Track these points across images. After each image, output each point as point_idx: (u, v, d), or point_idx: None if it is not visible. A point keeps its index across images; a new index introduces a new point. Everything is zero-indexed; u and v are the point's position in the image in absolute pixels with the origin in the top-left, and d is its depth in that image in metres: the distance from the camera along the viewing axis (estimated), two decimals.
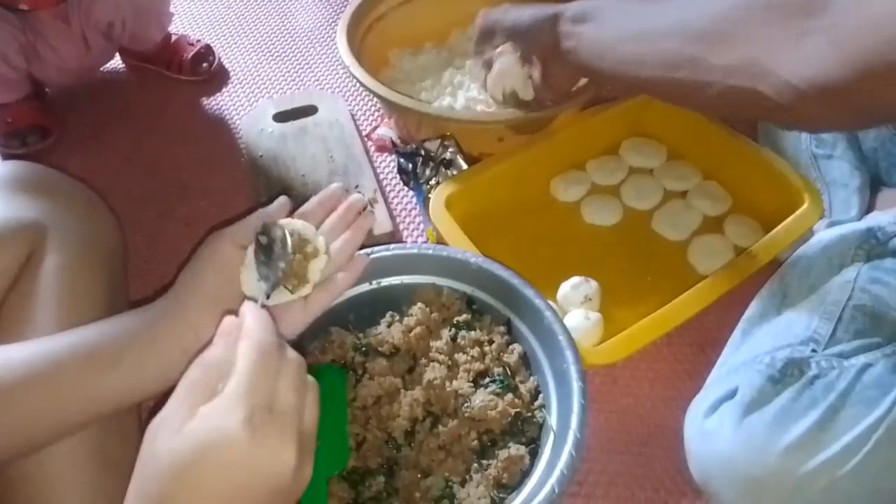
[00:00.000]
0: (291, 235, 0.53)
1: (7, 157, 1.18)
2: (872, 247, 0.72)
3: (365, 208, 0.61)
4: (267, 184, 1.10)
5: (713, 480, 0.65)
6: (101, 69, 1.33)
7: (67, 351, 0.51)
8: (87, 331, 0.52)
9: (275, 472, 0.38)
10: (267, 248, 0.52)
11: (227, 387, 0.39)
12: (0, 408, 0.48)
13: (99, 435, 0.60)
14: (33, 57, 1.13)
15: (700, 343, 0.91)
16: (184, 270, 0.54)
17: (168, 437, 0.38)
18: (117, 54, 1.34)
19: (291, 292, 0.53)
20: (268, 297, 0.52)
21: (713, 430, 0.65)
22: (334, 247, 0.57)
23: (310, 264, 0.54)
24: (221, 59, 1.37)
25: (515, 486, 0.61)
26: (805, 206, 0.86)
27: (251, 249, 0.53)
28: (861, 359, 0.62)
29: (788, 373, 0.63)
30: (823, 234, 0.80)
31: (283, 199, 0.57)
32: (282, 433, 0.39)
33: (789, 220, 0.85)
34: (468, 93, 1.13)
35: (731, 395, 0.66)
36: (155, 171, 1.18)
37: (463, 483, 0.62)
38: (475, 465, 0.63)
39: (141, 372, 0.51)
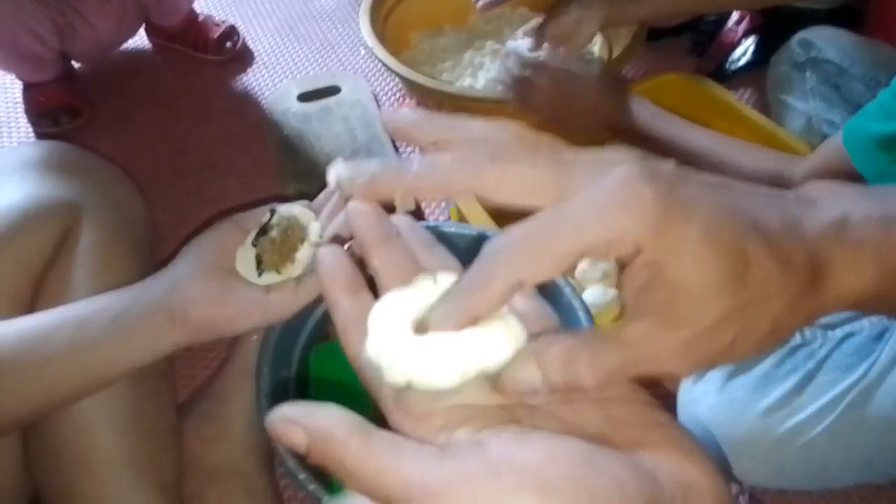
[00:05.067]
0: (285, 219, 0.55)
1: (40, 135, 1.22)
2: None
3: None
4: (292, 163, 1.13)
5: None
6: (128, 49, 1.36)
7: (60, 321, 0.52)
8: (80, 303, 0.54)
9: None
10: (261, 231, 0.54)
11: None
12: None
13: (136, 402, 0.63)
14: (68, 35, 1.16)
15: None
16: (185, 247, 0.55)
17: None
18: (144, 35, 1.37)
19: (278, 273, 0.54)
20: (259, 275, 0.54)
21: (699, 397, 0.70)
22: (329, 230, 0.57)
23: (300, 247, 0.55)
24: (245, 40, 1.39)
25: None
26: None
27: (253, 233, 0.55)
28: (846, 328, 0.66)
29: None
30: None
31: (303, 203, 0.58)
32: None
33: None
34: (488, 73, 1.15)
35: None
36: (182, 150, 1.21)
37: None
38: None
39: (129, 336, 0.51)
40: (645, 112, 0.83)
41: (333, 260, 0.28)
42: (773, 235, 0.24)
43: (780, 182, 0.69)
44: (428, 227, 0.75)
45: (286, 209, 0.56)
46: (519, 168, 0.24)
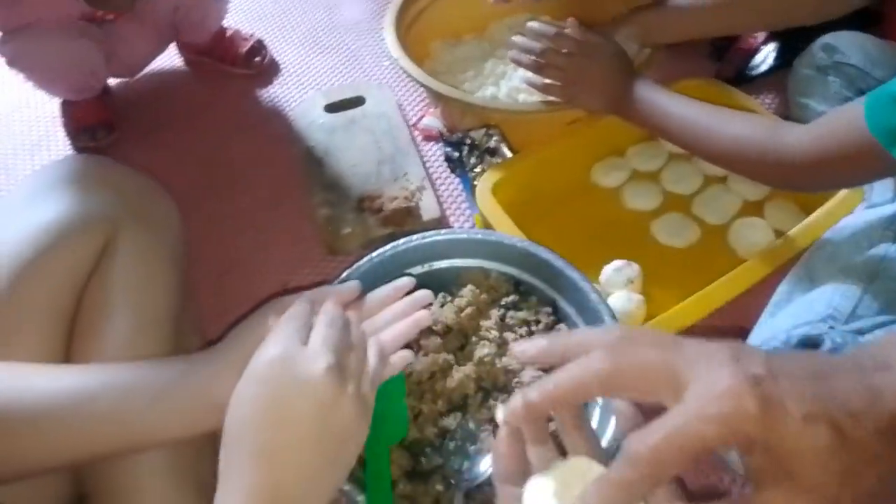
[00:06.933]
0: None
1: (78, 150, 1.26)
2: None
3: (430, 305, 0.64)
4: (318, 174, 1.15)
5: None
6: (158, 63, 1.40)
7: (105, 384, 0.53)
8: (126, 368, 0.55)
9: (343, 414, 0.49)
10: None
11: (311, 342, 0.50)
12: (35, 431, 0.51)
13: (191, 455, 0.65)
14: (112, 61, 1.21)
15: (740, 325, 0.93)
16: (233, 331, 0.56)
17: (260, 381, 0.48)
18: (174, 49, 1.41)
19: None
20: None
21: None
22: (384, 338, 0.59)
23: None
24: (272, 53, 1.42)
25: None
26: (845, 190, 0.88)
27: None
28: (878, 333, 0.65)
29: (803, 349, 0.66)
30: (850, 220, 0.82)
31: (353, 283, 0.59)
32: (348, 383, 0.50)
33: (829, 203, 0.87)
34: (510, 82, 1.16)
35: None
36: (211, 162, 1.24)
37: None
38: None
39: (170, 418, 0.53)
40: (646, 86, 0.89)
41: (506, 460, 0.37)
42: (858, 412, 0.30)
43: (768, 147, 0.74)
44: (455, 234, 0.78)
45: None
46: (633, 371, 0.33)
